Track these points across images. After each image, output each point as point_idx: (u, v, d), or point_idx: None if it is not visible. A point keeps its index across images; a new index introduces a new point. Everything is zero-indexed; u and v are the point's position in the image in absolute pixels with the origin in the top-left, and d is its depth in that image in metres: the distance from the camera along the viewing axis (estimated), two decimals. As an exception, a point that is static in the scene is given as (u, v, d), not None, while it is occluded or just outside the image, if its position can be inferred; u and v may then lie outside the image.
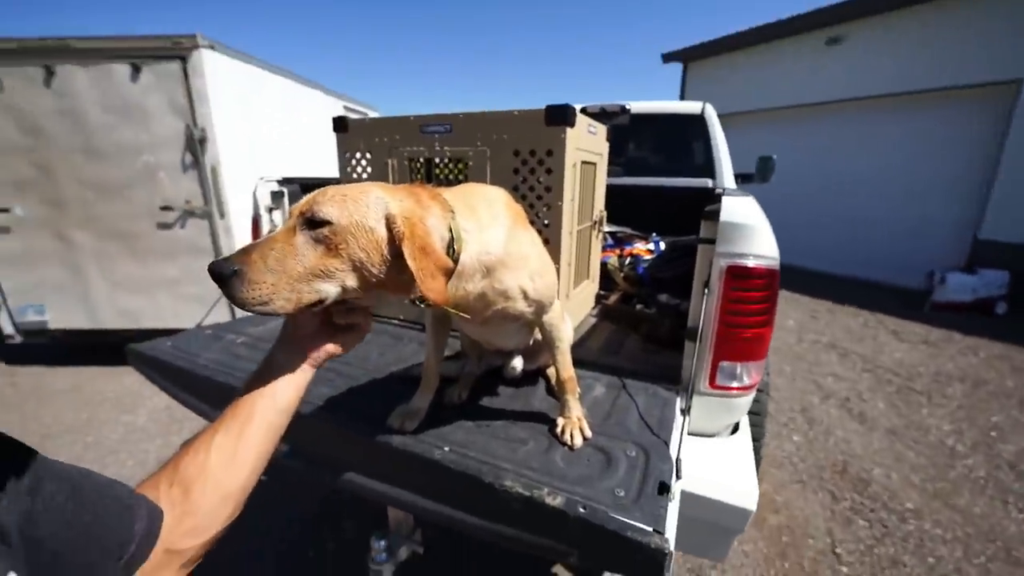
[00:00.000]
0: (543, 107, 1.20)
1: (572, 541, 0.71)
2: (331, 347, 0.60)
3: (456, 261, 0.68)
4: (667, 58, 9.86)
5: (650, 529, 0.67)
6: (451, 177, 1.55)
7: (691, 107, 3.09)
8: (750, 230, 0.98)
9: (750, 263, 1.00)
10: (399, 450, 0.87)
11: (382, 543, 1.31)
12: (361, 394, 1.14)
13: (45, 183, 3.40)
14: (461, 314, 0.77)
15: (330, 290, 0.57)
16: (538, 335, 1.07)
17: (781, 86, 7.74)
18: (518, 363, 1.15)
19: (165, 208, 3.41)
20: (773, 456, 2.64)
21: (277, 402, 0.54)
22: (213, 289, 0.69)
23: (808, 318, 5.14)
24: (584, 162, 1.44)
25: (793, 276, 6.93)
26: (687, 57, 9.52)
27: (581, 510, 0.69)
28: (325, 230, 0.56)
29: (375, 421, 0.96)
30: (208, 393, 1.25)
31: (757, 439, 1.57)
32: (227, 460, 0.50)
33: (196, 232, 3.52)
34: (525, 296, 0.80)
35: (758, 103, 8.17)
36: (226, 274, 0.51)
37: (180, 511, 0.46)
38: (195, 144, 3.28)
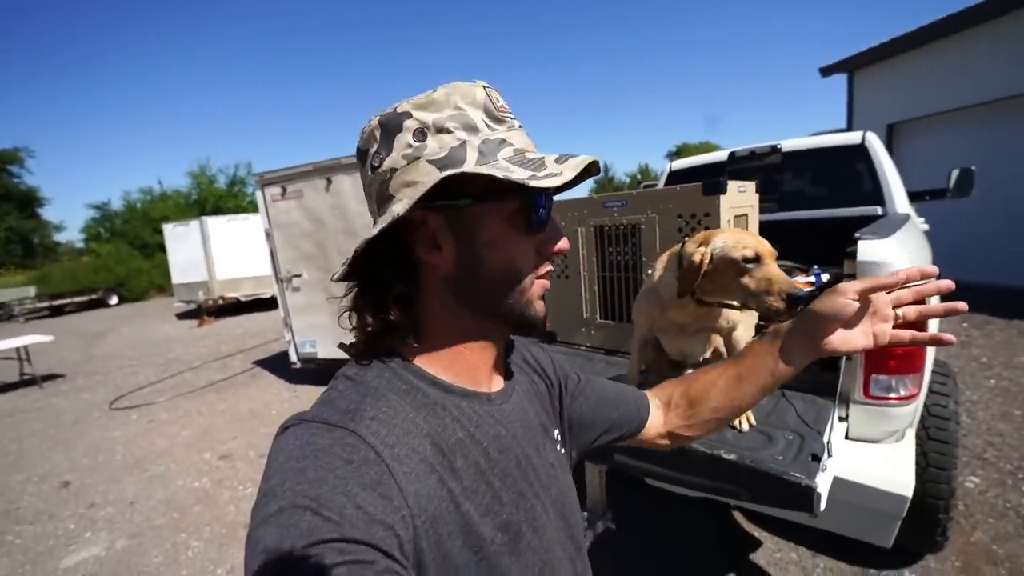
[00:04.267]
0: (700, 183, 1.61)
1: (742, 484, 1.05)
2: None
3: None
4: (827, 71, 9.13)
5: (803, 476, 0.98)
6: (622, 239, 2.03)
7: (850, 138, 3.08)
8: (886, 267, 1.22)
9: (892, 292, 1.23)
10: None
11: (583, 513, 1.75)
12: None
13: (320, 255, 4.92)
14: (680, 324, 1.24)
15: None
16: (707, 353, 1.45)
17: (979, 79, 6.56)
18: (691, 375, 1.53)
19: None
20: (993, 505, 2.35)
21: (776, 374, 0.63)
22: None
23: (1053, 353, 4.16)
24: (736, 216, 1.77)
25: (1012, 299, 5.62)
26: (853, 66, 8.70)
27: (749, 462, 1.04)
28: None
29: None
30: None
31: (944, 468, 1.59)
32: (724, 397, 0.66)
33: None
34: (727, 317, 1.25)
35: (947, 103, 7.02)
36: (800, 295, 1.02)
37: (684, 415, 0.69)
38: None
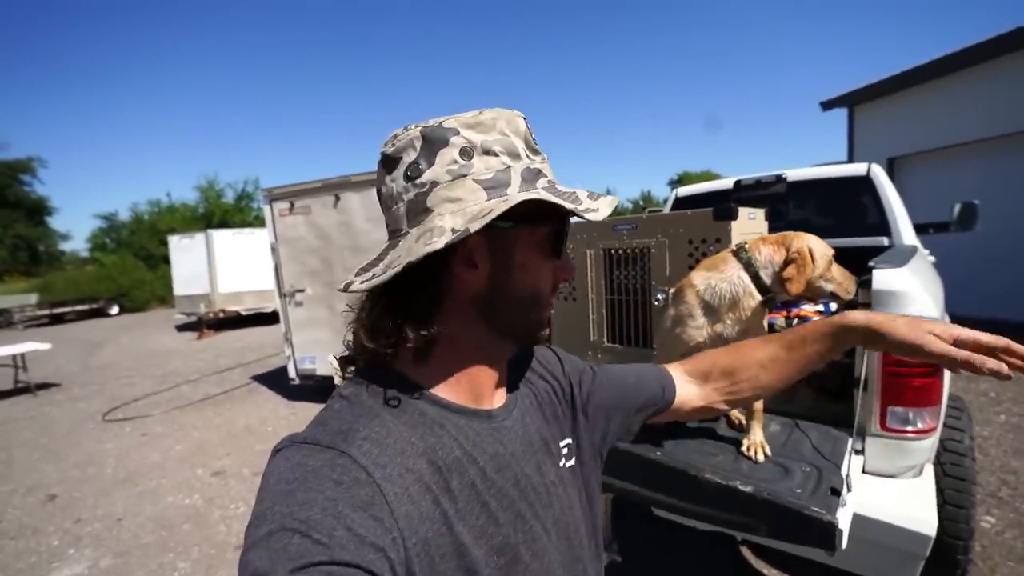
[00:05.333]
0: (711, 209, 1.61)
1: (759, 518, 1.01)
2: None
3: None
4: (827, 105, 9.31)
5: (823, 511, 0.94)
6: (630, 262, 2.02)
7: (855, 170, 3.11)
8: (902, 296, 1.21)
9: (909, 323, 1.21)
10: (624, 451, 1.29)
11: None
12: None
13: (325, 271, 4.92)
14: (726, 338, 1.26)
15: None
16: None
17: (979, 116, 6.66)
18: (701, 402, 1.50)
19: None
20: (1011, 547, 2.27)
21: (823, 358, 0.67)
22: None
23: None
24: (746, 242, 1.77)
25: (1014, 334, 5.57)
26: (853, 101, 8.87)
27: (767, 495, 1.01)
28: None
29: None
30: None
31: (963, 506, 1.54)
32: (764, 372, 0.68)
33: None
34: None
35: (948, 139, 7.12)
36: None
37: (721, 388, 0.71)
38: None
